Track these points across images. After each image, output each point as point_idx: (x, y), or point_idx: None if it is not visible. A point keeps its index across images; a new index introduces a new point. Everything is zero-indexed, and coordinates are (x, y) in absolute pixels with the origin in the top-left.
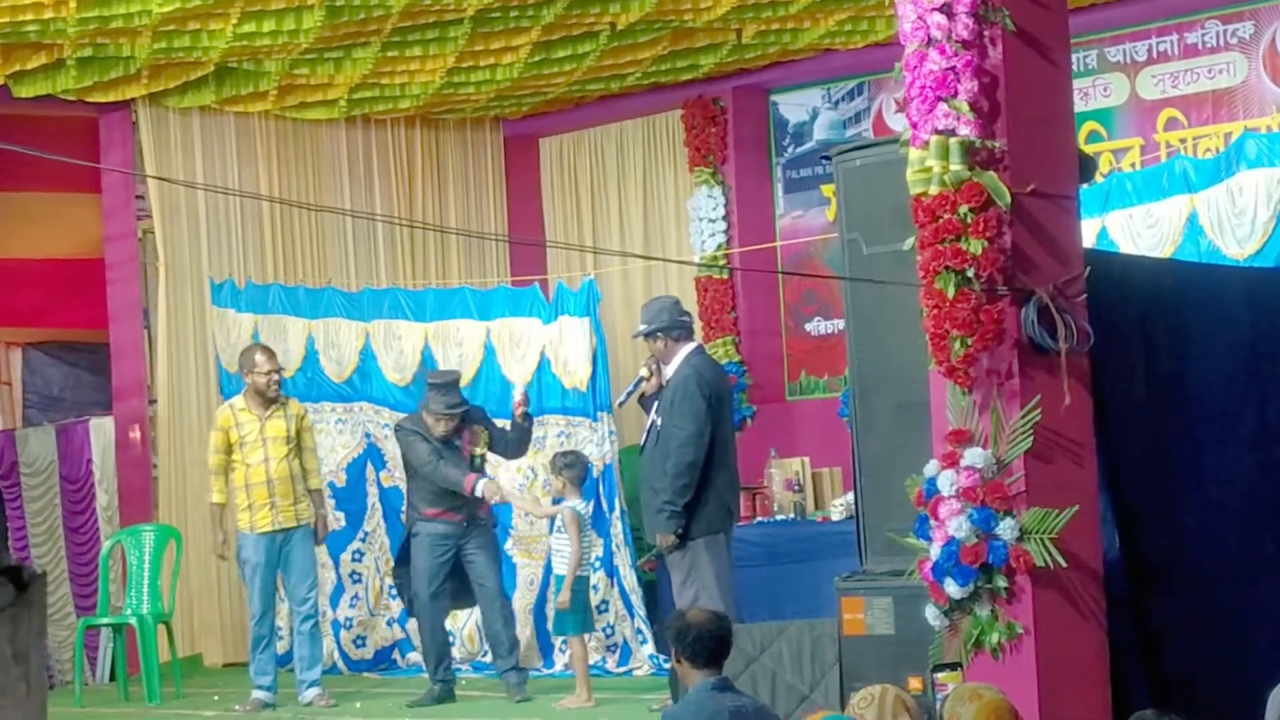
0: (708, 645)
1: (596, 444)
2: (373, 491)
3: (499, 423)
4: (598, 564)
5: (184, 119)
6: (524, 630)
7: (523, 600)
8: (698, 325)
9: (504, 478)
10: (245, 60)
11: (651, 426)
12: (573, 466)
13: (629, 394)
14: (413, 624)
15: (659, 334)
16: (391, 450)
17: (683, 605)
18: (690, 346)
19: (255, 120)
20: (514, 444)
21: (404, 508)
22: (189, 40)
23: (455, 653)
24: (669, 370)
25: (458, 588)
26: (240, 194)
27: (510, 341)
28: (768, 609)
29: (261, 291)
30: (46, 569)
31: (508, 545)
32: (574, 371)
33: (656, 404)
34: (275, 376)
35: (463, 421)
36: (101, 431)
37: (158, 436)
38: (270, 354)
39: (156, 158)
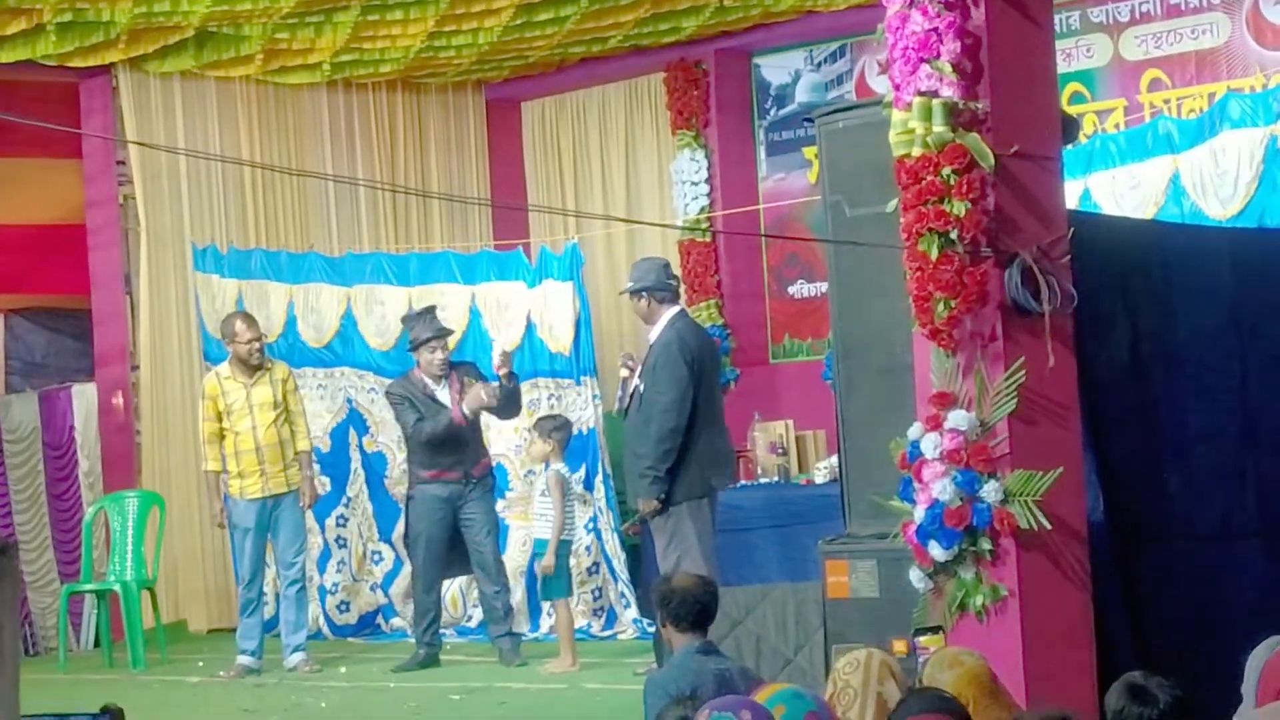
0: (692, 609)
1: (580, 408)
2: (355, 457)
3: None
4: (590, 525)
5: (165, 84)
6: (513, 593)
7: (513, 563)
8: (681, 289)
9: (499, 442)
10: (226, 25)
11: (634, 391)
12: (561, 430)
13: (621, 399)
14: (395, 589)
15: (644, 293)
16: (377, 414)
17: (666, 569)
18: (674, 310)
19: (237, 85)
20: (505, 403)
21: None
22: (169, 5)
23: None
24: (652, 333)
25: (455, 554)
26: (222, 159)
27: (497, 306)
28: (752, 572)
29: (243, 257)
30: (30, 536)
31: (499, 506)
32: (559, 336)
33: (639, 369)
34: (257, 344)
35: (453, 368)
36: (84, 398)
37: (140, 402)
38: (250, 321)
39: (137, 123)
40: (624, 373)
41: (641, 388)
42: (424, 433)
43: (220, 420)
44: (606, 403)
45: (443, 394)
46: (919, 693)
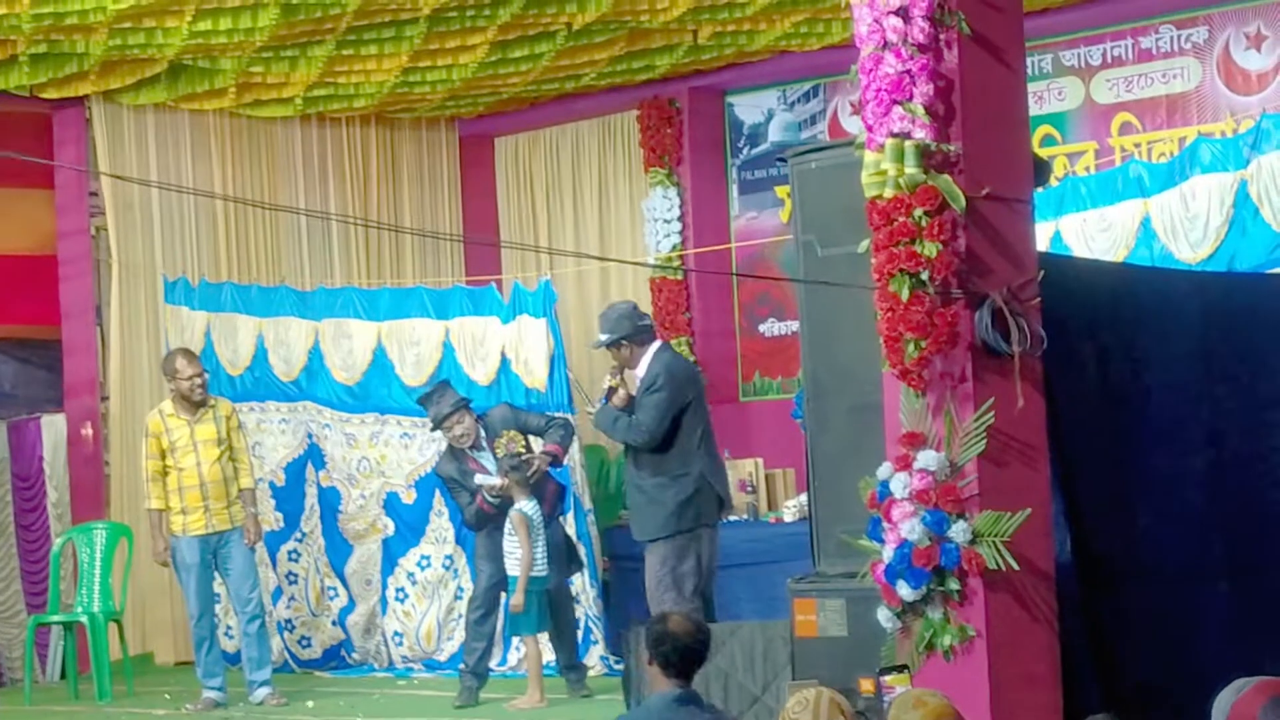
0: (683, 656)
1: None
2: (311, 492)
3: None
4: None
5: (138, 116)
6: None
7: None
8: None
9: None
10: (200, 58)
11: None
12: (517, 469)
13: (602, 405)
14: (352, 621)
15: (622, 342)
16: (330, 450)
17: (662, 590)
18: (655, 346)
19: (210, 118)
20: (525, 483)
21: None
22: (144, 37)
23: (406, 651)
24: (639, 373)
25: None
26: (195, 192)
27: (472, 341)
28: (721, 610)
29: (214, 290)
30: None
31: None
32: (534, 372)
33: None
34: (198, 381)
35: (487, 431)
36: (53, 428)
37: (109, 434)
38: (191, 358)
39: (110, 154)
40: (609, 380)
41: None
42: (468, 524)
43: (163, 458)
44: (581, 438)
45: (486, 458)
46: None
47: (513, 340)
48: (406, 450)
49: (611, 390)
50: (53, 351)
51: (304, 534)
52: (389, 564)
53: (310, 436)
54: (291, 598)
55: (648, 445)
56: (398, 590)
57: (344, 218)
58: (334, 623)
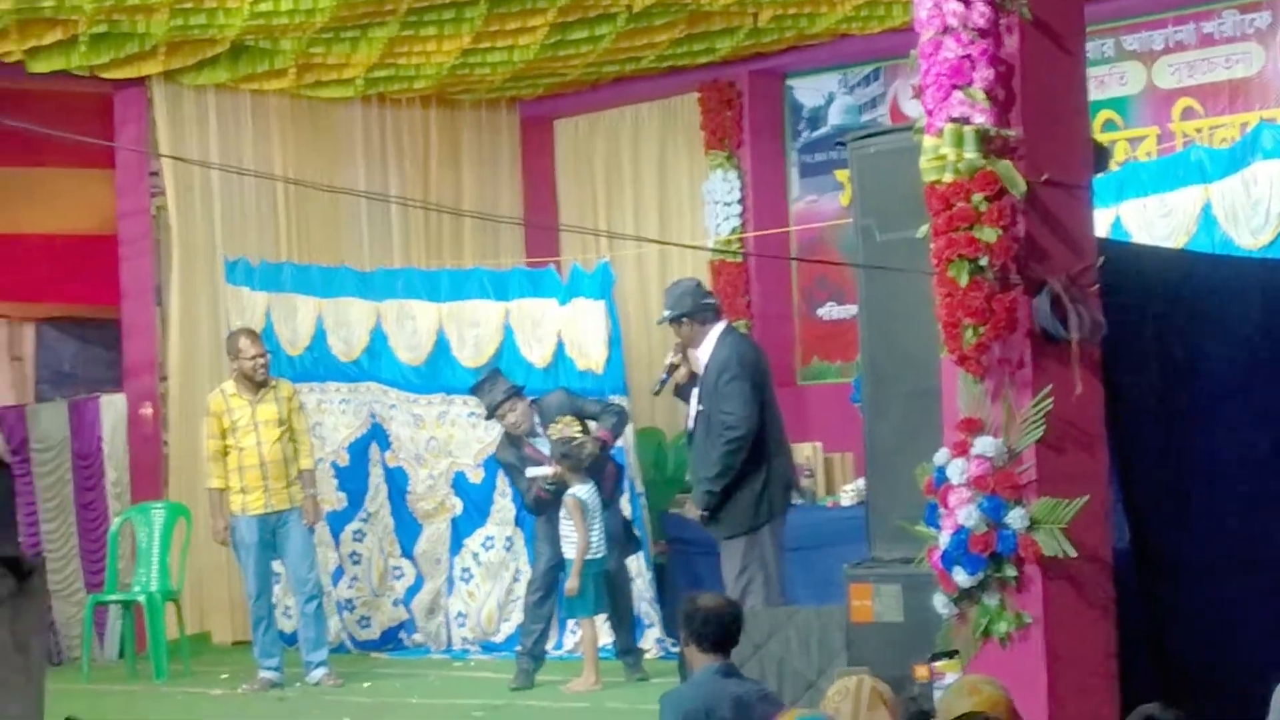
0: (715, 630)
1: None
2: (376, 472)
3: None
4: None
5: (199, 96)
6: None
7: None
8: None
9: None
10: (261, 38)
11: (699, 415)
12: (569, 456)
13: (663, 383)
14: (417, 604)
15: (683, 319)
16: (396, 430)
17: (737, 592)
18: (720, 327)
19: (271, 99)
20: (579, 470)
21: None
22: (205, 18)
23: (468, 633)
24: (701, 353)
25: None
26: (255, 174)
27: (530, 323)
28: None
29: (274, 270)
30: (56, 545)
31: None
32: (589, 354)
33: (697, 391)
34: (262, 360)
35: (543, 416)
36: (113, 408)
37: (169, 414)
38: (254, 338)
39: (171, 135)
40: (672, 357)
41: (702, 408)
42: (528, 509)
43: (224, 437)
44: (637, 421)
45: (544, 444)
46: (968, 717)
47: (569, 322)
48: (474, 429)
49: (673, 368)
50: (112, 331)
51: (369, 514)
52: (456, 544)
53: (374, 417)
54: (354, 578)
55: (748, 434)
56: (463, 570)
57: (404, 200)
58: (396, 603)
